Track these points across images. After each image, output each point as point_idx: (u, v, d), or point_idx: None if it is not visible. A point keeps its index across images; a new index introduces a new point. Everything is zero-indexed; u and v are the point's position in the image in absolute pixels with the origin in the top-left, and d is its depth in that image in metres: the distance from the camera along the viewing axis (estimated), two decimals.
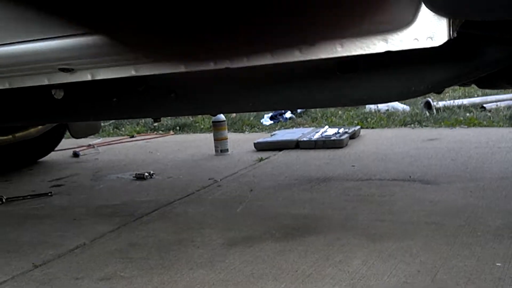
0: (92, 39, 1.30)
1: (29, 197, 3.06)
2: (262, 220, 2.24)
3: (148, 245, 2.04)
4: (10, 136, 3.60)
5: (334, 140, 3.89)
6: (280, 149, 3.94)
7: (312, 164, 3.37)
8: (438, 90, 1.65)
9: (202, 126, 5.74)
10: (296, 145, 3.97)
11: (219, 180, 3.10)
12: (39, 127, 3.71)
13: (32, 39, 1.39)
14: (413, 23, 1.23)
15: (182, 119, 6.16)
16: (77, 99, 1.98)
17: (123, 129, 6.24)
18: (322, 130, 4.34)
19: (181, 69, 1.41)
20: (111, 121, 6.56)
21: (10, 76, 1.64)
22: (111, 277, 1.76)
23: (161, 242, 2.07)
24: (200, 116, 6.23)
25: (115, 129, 6.31)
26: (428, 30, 1.23)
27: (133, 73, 1.47)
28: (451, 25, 1.23)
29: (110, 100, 1.90)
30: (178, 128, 5.83)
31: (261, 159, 3.63)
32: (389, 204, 2.34)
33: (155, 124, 6.00)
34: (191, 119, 6.13)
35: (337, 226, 2.09)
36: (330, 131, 4.23)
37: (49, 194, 3.09)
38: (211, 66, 1.36)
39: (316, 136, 4.07)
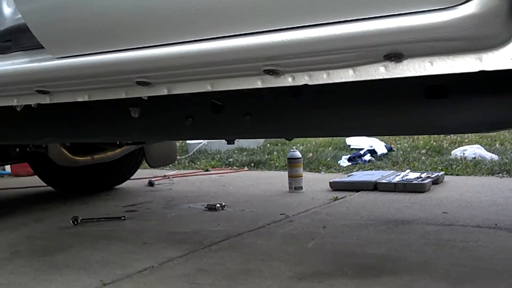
0: (171, 49, 1.28)
1: (103, 219, 3.11)
2: (334, 257, 2.14)
3: (216, 272, 1.99)
4: (89, 157, 3.70)
5: (415, 184, 3.70)
6: (357, 190, 3.80)
7: (391, 206, 3.21)
8: None
9: (277, 164, 5.69)
10: (375, 187, 3.80)
11: (291, 215, 3.02)
12: (117, 150, 3.79)
13: (112, 49, 1.39)
14: (511, 42, 1.13)
15: (257, 156, 6.16)
16: (153, 118, 1.98)
17: (198, 162, 6.31)
18: (403, 173, 4.16)
19: (258, 85, 1.37)
20: (187, 155, 6.68)
21: (90, 89, 1.67)
22: None
23: (228, 271, 2.01)
24: (275, 153, 6.21)
25: (190, 162, 6.40)
26: None
27: (209, 88, 1.44)
28: None
29: (185, 120, 1.89)
30: (252, 164, 5.82)
31: (336, 198, 3.51)
32: (472, 250, 2.17)
33: (230, 159, 6.04)
34: (266, 157, 6.11)
35: (414, 268, 1.95)
36: (412, 175, 4.05)
37: (122, 218, 3.13)
38: (289, 82, 1.31)
39: (397, 179, 3.89)
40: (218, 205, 3.34)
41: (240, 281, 1.88)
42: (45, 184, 4.53)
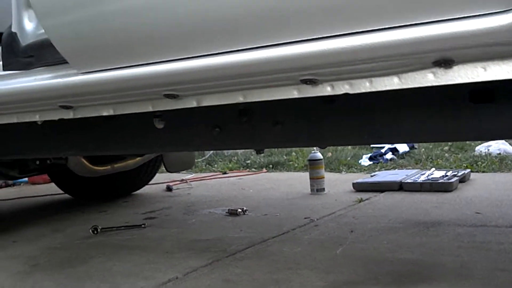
0: (203, 61, 1.21)
1: (123, 228, 3.05)
2: (365, 264, 2.05)
3: (243, 283, 1.91)
4: (109, 167, 3.65)
5: (442, 183, 3.60)
6: (381, 191, 3.70)
7: (419, 207, 3.12)
8: None
9: (296, 165, 5.61)
10: (400, 187, 3.71)
11: (316, 219, 2.93)
12: (137, 158, 3.75)
13: (139, 63, 1.33)
14: None
15: (275, 157, 6.08)
16: (178, 129, 1.91)
17: (215, 165, 6.25)
18: (428, 172, 4.07)
19: (294, 95, 1.29)
20: (204, 157, 6.63)
21: (115, 103, 1.60)
22: None
23: (256, 281, 1.92)
24: (293, 154, 6.13)
25: (207, 165, 6.34)
26: None
27: (241, 99, 1.36)
28: None
29: (212, 130, 1.82)
30: (271, 166, 5.74)
31: (361, 200, 3.43)
32: (509, 253, 2.08)
33: (248, 161, 5.98)
34: (285, 157, 6.03)
35: (451, 274, 1.87)
36: (437, 173, 3.95)
37: (143, 226, 3.07)
38: (327, 91, 1.23)
39: (422, 178, 3.80)
40: (239, 209, 3.26)
41: None
42: (62, 192, 4.49)
